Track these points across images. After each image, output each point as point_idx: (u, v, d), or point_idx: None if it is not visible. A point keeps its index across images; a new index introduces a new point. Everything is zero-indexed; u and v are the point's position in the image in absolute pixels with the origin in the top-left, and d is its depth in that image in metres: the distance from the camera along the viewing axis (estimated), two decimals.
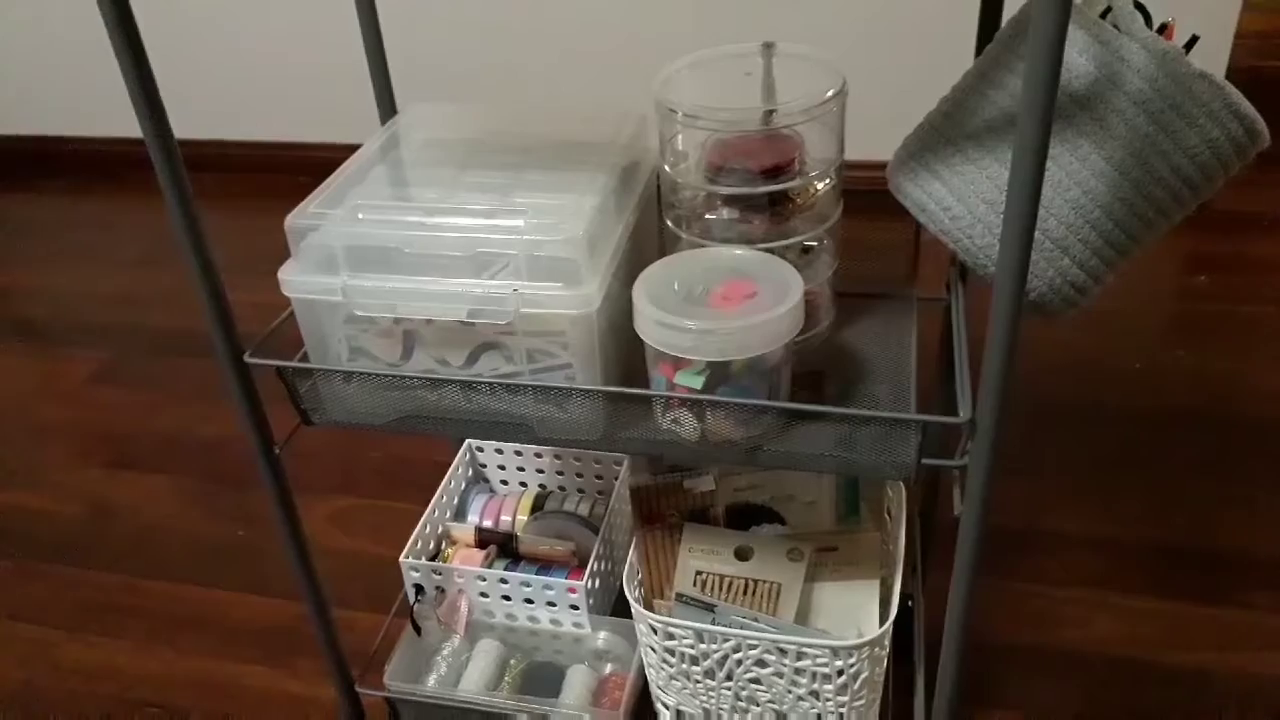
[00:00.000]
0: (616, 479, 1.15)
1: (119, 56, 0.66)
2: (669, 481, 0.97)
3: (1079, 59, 0.64)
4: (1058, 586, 1.24)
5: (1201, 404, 1.49)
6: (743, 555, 0.95)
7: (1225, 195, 0.71)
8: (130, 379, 1.77)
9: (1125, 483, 1.37)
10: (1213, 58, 1.78)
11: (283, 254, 0.76)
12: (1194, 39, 0.69)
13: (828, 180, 0.80)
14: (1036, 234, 0.66)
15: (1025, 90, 0.52)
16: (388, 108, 0.98)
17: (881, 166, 0.79)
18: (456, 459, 1.19)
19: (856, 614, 0.93)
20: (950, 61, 0.86)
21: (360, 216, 0.76)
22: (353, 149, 0.87)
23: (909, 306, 0.90)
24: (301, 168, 2.19)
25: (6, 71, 2.43)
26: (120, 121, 2.37)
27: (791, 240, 0.80)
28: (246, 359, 0.78)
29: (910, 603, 1.09)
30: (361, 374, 0.79)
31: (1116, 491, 1.36)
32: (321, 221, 0.76)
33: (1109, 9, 0.65)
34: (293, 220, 0.76)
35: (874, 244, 0.90)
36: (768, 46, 0.80)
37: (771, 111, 0.77)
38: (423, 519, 1.10)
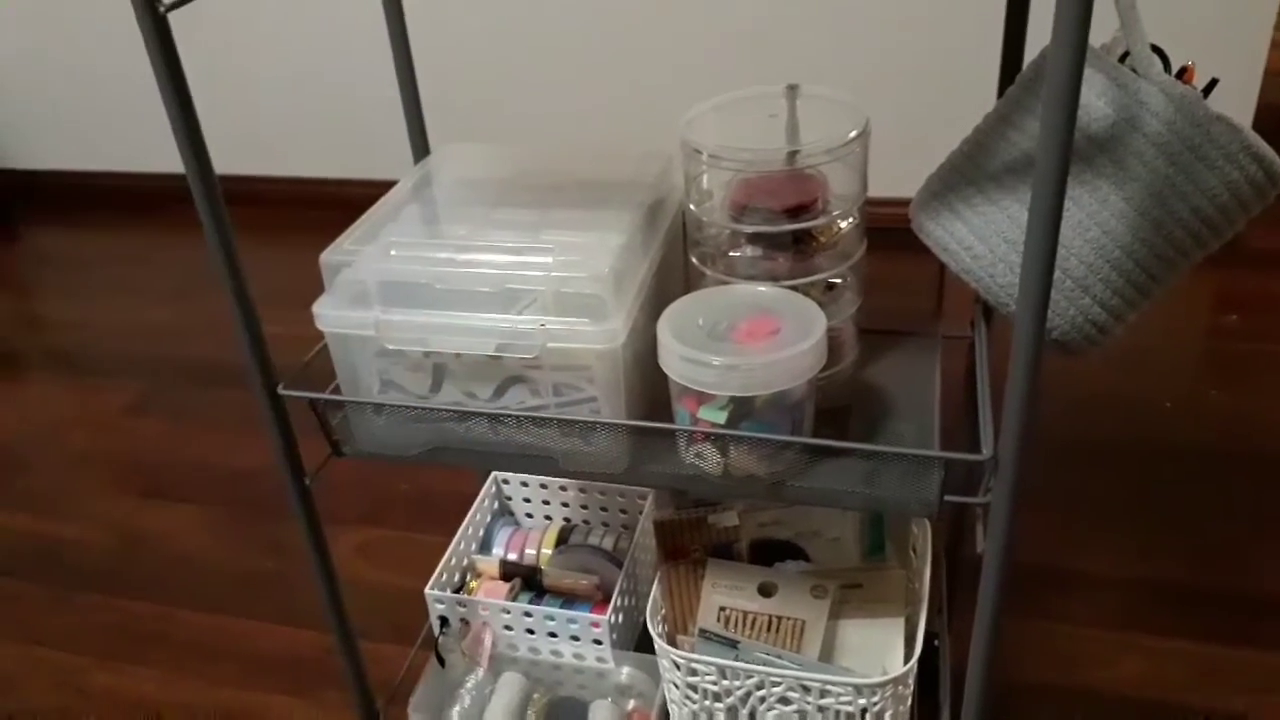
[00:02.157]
0: (641, 513, 1.16)
1: (165, 98, 0.69)
2: (693, 516, 0.98)
3: (1097, 102, 0.65)
4: (1085, 626, 1.22)
5: (1232, 443, 1.48)
6: (767, 591, 0.95)
7: (1256, 233, 0.72)
8: (164, 409, 1.80)
9: (1155, 521, 1.36)
10: (1242, 96, 1.78)
11: (314, 287, 0.78)
12: (1213, 82, 0.70)
13: (851, 219, 0.82)
14: (1057, 273, 0.67)
15: (1042, 133, 0.53)
16: (421, 147, 1.01)
17: (906, 203, 0.80)
18: (482, 491, 1.20)
19: (881, 652, 0.93)
20: (974, 101, 0.87)
21: (393, 253, 0.78)
22: (384, 184, 0.89)
23: (933, 343, 0.91)
24: (333, 203, 2.24)
25: (49, 109, 2.50)
26: (158, 157, 2.44)
27: (815, 277, 0.81)
28: (280, 391, 0.80)
29: (936, 641, 1.08)
30: (392, 406, 0.81)
31: (1146, 530, 1.34)
32: (355, 258, 0.78)
33: (1128, 53, 0.66)
34: (327, 256, 0.78)
35: (899, 280, 0.91)
36: (792, 88, 0.82)
37: (795, 152, 0.78)
38: (448, 551, 1.11)
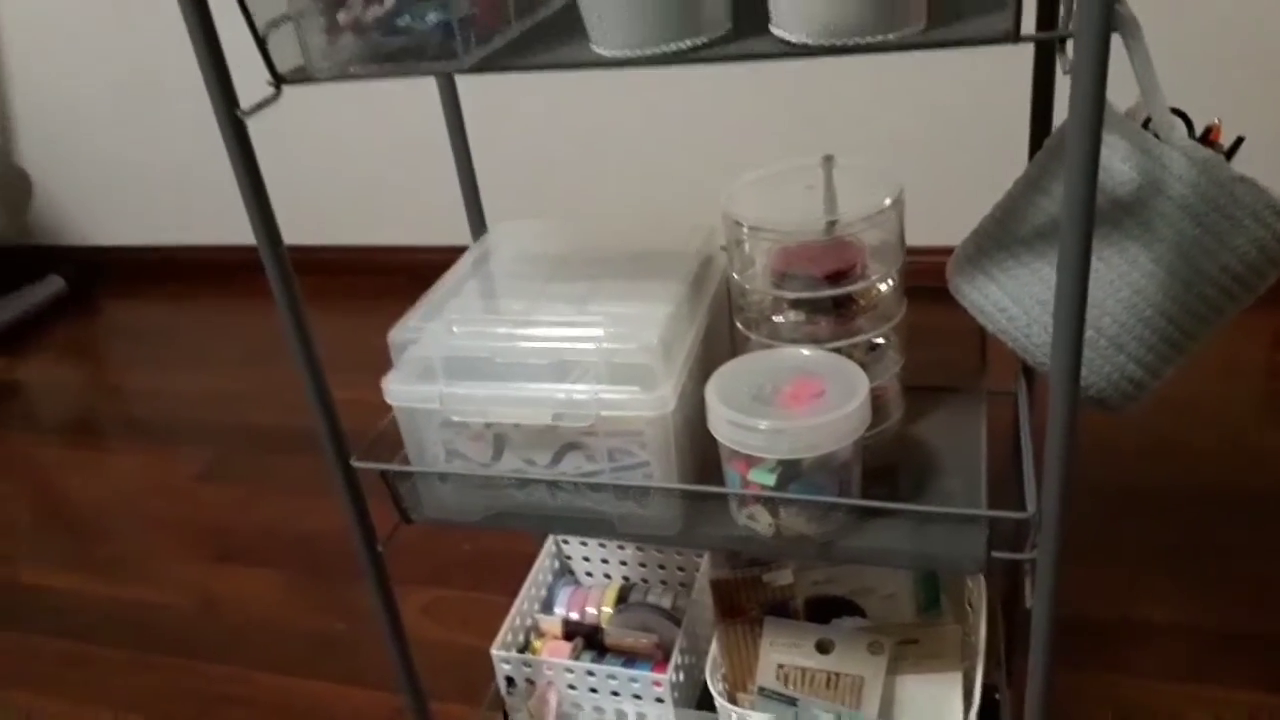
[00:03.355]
0: (698, 571, 1.18)
1: (242, 190, 0.74)
2: (748, 575, 1.00)
3: (1122, 166, 0.67)
4: (1150, 678, 1.21)
5: None
6: (824, 648, 0.96)
7: None
8: (233, 475, 1.87)
9: (1217, 570, 1.34)
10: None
11: (374, 350, 0.82)
12: (1239, 140, 0.72)
13: (889, 281, 0.84)
14: (1091, 332, 0.69)
15: (1065, 199, 0.56)
16: (478, 224, 1.06)
17: (949, 252, 0.82)
18: (543, 551, 1.24)
19: (939, 707, 0.93)
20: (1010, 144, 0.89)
21: (455, 330, 0.83)
22: (438, 249, 0.93)
23: (978, 399, 0.92)
24: (390, 268, 2.33)
25: (125, 188, 2.64)
26: (226, 230, 2.55)
27: (857, 339, 0.84)
28: (354, 463, 0.84)
29: (997, 695, 1.08)
30: (457, 475, 0.85)
31: (1208, 579, 1.33)
32: (420, 335, 0.83)
33: (1150, 118, 0.68)
34: (395, 334, 0.83)
35: (943, 330, 0.92)
36: (828, 159, 0.85)
37: (833, 221, 0.81)
38: (512, 611, 1.14)
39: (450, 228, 1.17)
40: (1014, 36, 0.56)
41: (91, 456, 2.02)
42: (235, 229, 2.50)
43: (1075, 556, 1.36)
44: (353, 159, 2.35)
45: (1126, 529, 1.42)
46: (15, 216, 2.78)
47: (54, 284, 2.62)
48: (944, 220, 1.07)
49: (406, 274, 0.94)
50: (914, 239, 0.85)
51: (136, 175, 2.60)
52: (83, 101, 2.51)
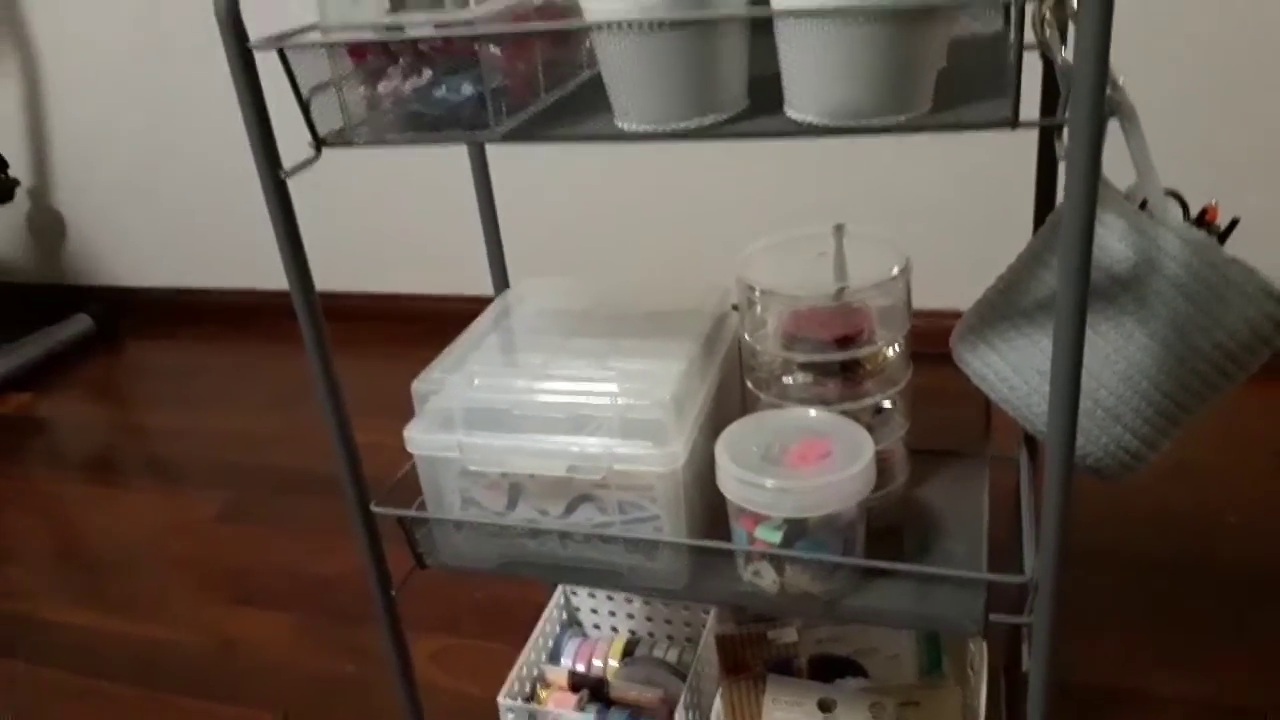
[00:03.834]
0: (704, 626, 1.19)
1: (281, 247, 0.78)
2: (753, 631, 1.01)
3: (1119, 245, 0.70)
4: None
5: None
6: (826, 708, 0.97)
7: None
8: (252, 517, 1.90)
9: (1225, 642, 1.34)
10: None
11: (391, 396, 0.85)
12: (1234, 221, 0.75)
13: (896, 347, 0.87)
14: (1089, 403, 0.71)
15: (1060, 278, 0.59)
16: (500, 280, 1.10)
17: (957, 315, 0.85)
18: (551, 602, 1.25)
19: None
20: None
21: (476, 382, 0.86)
22: (455, 298, 0.97)
23: (982, 464, 0.94)
24: (409, 316, 2.37)
25: (153, 230, 2.71)
26: (251, 275, 2.61)
27: (864, 402, 0.86)
28: (374, 509, 0.87)
29: None
30: (472, 523, 0.87)
31: (1215, 651, 1.33)
32: (442, 386, 0.86)
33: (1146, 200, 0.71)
34: (418, 385, 0.86)
35: (948, 397, 0.95)
36: (839, 228, 0.89)
37: (843, 288, 0.85)
38: (519, 661, 1.15)
39: (472, 278, 1.20)
40: (1013, 123, 0.59)
41: (112, 494, 2.05)
42: (261, 273, 2.59)
43: (1080, 623, 1.37)
44: (381, 210, 2.42)
45: (1133, 597, 1.43)
46: (48, 256, 2.86)
47: (81, 323, 2.68)
48: (951, 285, 1.10)
49: (428, 322, 0.97)
50: (922, 302, 0.88)
51: (166, 219, 2.67)
52: (118, 147, 2.59)
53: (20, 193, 2.60)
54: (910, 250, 0.87)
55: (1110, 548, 1.49)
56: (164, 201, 2.64)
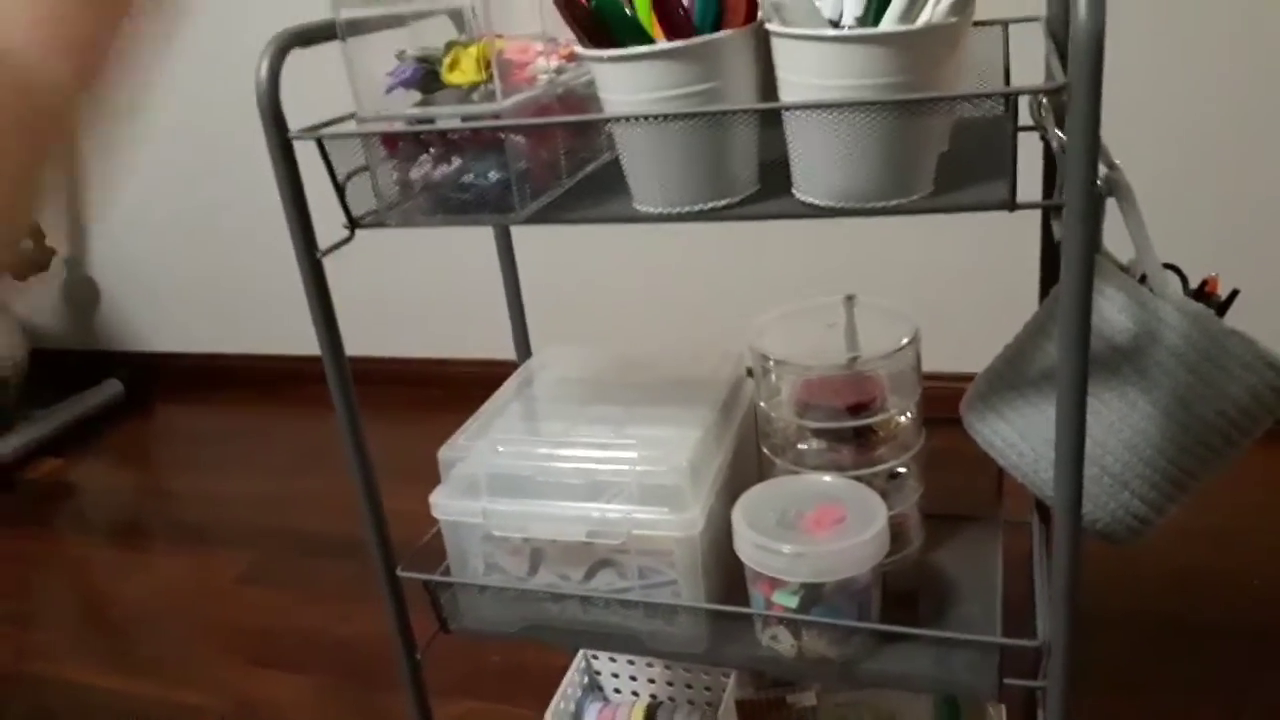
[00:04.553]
0: (725, 690, 1.20)
1: (311, 306, 0.81)
2: (773, 696, 1.02)
3: (1120, 317, 0.73)
4: None
5: None
6: None
7: None
8: (275, 579, 1.92)
9: (1243, 707, 1.33)
10: None
11: (415, 459, 0.87)
12: (1234, 292, 0.78)
13: (908, 414, 0.90)
14: (1096, 470, 0.73)
15: (1060, 351, 0.62)
16: (524, 347, 1.13)
17: (969, 378, 0.87)
18: (572, 666, 1.26)
19: None
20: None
21: (499, 449, 0.89)
22: (478, 362, 1.00)
23: (995, 528, 0.96)
24: (428, 381, 2.41)
25: (182, 297, 2.78)
26: (279, 340, 2.67)
27: (878, 468, 0.88)
28: (400, 573, 0.90)
29: None
30: (495, 588, 0.89)
31: (1233, 714, 1.32)
32: (468, 453, 0.89)
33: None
34: (444, 452, 0.89)
35: (961, 460, 0.96)
36: (849, 298, 0.92)
37: (854, 357, 0.87)
38: None
39: (494, 343, 1.23)
40: (1011, 205, 0.62)
41: (138, 558, 2.08)
42: (289, 339, 2.64)
43: (1098, 687, 1.36)
44: (405, 276, 2.47)
45: (1154, 662, 1.42)
46: (82, 323, 2.93)
47: (112, 388, 2.73)
48: (965, 348, 1.12)
49: (450, 386, 1.00)
50: (936, 365, 0.90)
51: (197, 286, 2.74)
52: (152, 217, 2.67)
53: (56, 261, 2.68)
54: (924, 314, 0.90)
55: (1128, 609, 1.49)
56: (195, 269, 2.71)
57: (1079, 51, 0.54)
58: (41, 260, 2.60)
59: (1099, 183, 0.62)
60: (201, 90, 2.43)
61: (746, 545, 0.81)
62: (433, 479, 0.90)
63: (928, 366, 0.91)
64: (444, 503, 0.88)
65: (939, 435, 0.92)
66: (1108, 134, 0.60)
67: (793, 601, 0.80)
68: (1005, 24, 0.84)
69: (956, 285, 1.97)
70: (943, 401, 0.91)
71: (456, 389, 0.94)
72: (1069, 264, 0.59)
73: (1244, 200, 1.78)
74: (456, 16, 0.74)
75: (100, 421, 2.68)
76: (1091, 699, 1.20)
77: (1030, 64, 0.82)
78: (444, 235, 2.32)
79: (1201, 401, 0.71)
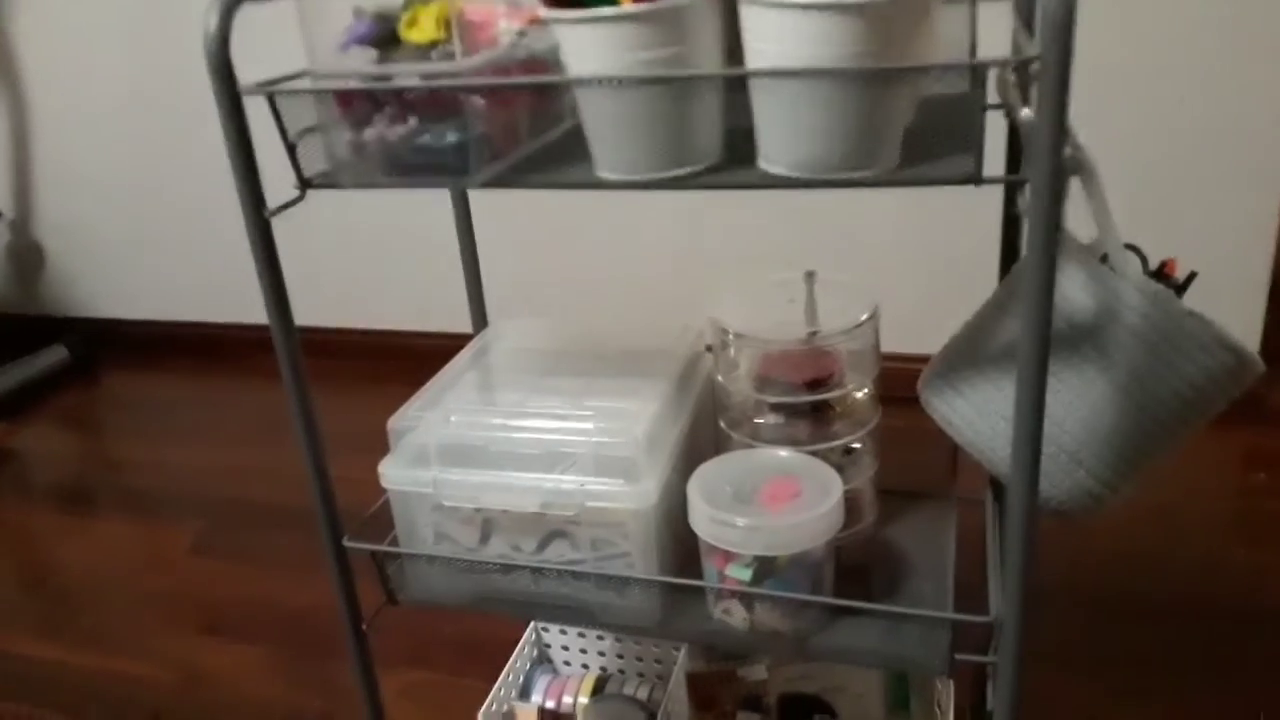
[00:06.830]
0: (675, 664, 1.20)
1: (259, 269, 0.78)
2: (724, 669, 1.02)
3: (1080, 295, 0.73)
4: None
5: (1267, 602, 1.48)
6: None
7: None
8: (226, 550, 1.89)
9: (1193, 682, 1.36)
10: (1255, 269, 1.85)
11: (364, 430, 0.85)
12: (1192, 274, 0.78)
13: (865, 390, 0.89)
14: (1052, 447, 0.73)
15: (1023, 327, 0.61)
16: (480, 319, 1.11)
17: (925, 360, 0.87)
18: (523, 638, 1.26)
19: None
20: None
21: (452, 419, 0.87)
22: (433, 335, 0.97)
23: (949, 505, 0.96)
24: (386, 353, 2.38)
25: (130, 263, 2.71)
26: (228, 309, 2.61)
27: (834, 443, 0.88)
28: (346, 544, 0.88)
29: None
30: (445, 558, 0.88)
31: (1183, 691, 1.34)
32: (419, 423, 0.87)
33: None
34: (394, 422, 0.87)
35: (916, 438, 0.97)
36: (810, 274, 0.91)
37: (813, 333, 0.87)
38: (489, 697, 1.15)
39: (451, 316, 1.21)
40: (977, 179, 0.62)
41: (83, 525, 2.03)
42: (239, 307, 2.58)
43: (1047, 662, 1.38)
44: (361, 246, 2.43)
45: (1104, 638, 1.44)
46: (26, 287, 2.85)
47: (57, 353, 2.66)
48: (921, 330, 1.12)
49: (405, 358, 0.98)
50: (893, 346, 0.90)
51: (145, 251, 2.67)
52: (100, 179, 2.60)
53: (0, 224, 2.59)
54: (881, 295, 0.89)
55: (1078, 587, 1.51)
56: (143, 234, 2.65)
57: (1050, 21, 0.53)
58: None
59: (1064, 158, 0.62)
60: (150, 47, 2.37)
61: (701, 518, 0.80)
62: (385, 451, 0.88)
63: (886, 347, 0.90)
64: (392, 472, 0.86)
65: (896, 414, 0.92)
66: (1072, 113, 0.60)
67: (746, 575, 0.80)
68: (973, 0, 0.83)
69: (917, 264, 1.97)
70: (900, 381, 0.91)
71: (414, 361, 0.92)
72: (1034, 239, 0.59)
73: (1203, 183, 1.80)
74: None
75: (45, 388, 2.61)
76: (1041, 675, 1.21)
77: (997, 46, 0.82)
78: (403, 205, 2.28)
79: (1158, 381, 0.71)
